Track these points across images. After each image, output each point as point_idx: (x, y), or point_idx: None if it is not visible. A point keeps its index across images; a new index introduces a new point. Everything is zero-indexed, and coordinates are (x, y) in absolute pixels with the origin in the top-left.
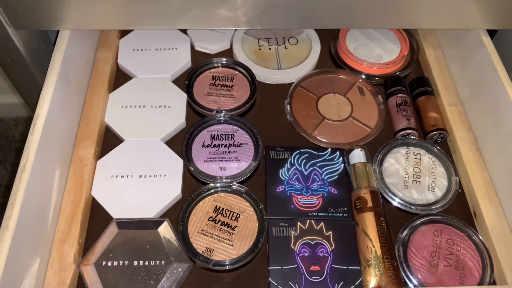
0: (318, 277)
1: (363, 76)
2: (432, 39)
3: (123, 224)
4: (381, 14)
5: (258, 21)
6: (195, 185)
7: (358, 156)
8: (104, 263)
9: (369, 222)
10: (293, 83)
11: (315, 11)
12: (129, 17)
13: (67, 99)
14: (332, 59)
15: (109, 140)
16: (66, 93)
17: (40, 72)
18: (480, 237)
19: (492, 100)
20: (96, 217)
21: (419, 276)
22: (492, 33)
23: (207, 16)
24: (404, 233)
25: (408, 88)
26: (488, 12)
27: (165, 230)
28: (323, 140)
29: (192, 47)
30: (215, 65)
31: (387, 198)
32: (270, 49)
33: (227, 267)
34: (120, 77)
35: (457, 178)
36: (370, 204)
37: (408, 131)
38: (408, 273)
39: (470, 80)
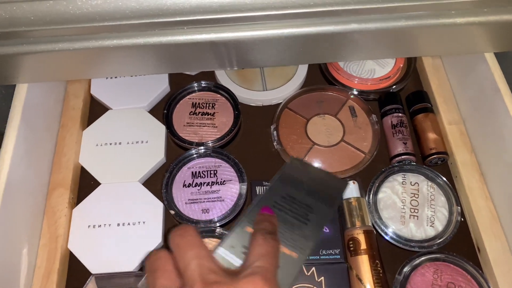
0: None
1: (355, 93)
2: None
3: (102, 280)
4: (381, 46)
5: (244, 62)
6: None
7: (350, 190)
8: None
9: (363, 266)
10: (280, 104)
11: (310, 50)
12: (95, 67)
13: (34, 148)
14: (323, 74)
15: (86, 182)
16: (33, 142)
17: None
18: (485, 277)
19: (494, 122)
20: (76, 272)
21: None
22: None
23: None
24: (402, 274)
25: (405, 103)
26: (495, 35)
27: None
28: None
29: None
30: (195, 89)
31: (383, 234)
32: None
33: None
34: (95, 109)
35: (459, 207)
36: (364, 246)
37: (405, 156)
38: None
39: (470, 95)
